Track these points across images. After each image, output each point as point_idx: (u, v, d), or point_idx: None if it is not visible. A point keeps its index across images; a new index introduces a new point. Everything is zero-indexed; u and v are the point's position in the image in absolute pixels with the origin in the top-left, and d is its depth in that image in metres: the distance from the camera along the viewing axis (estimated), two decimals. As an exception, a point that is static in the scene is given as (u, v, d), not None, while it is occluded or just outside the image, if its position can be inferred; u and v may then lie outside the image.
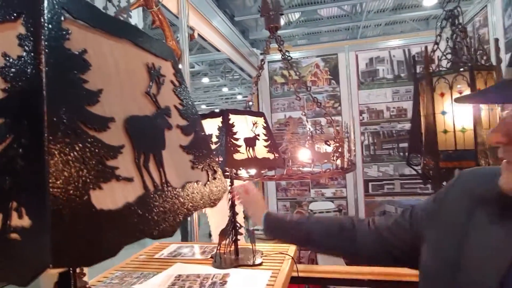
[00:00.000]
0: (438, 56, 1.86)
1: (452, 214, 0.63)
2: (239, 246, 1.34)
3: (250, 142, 1.25)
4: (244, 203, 1.26)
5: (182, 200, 0.41)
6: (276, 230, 1.03)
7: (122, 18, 1.60)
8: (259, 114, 1.40)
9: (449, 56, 1.80)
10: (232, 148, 1.16)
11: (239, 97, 12.60)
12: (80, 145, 0.29)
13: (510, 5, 2.53)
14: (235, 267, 1.23)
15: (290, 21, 6.52)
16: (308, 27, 6.87)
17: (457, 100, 0.63)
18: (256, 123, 1.31)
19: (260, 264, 1.26)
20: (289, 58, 1.84)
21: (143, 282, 1.13)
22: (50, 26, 0.29)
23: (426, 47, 1.77)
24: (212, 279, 1.13)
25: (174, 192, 0.40)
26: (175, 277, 1.15)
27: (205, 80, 9.53)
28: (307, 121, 2.14)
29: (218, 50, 3.54)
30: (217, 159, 1.13)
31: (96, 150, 0.31)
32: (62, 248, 0.25)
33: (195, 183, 0.46)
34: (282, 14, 1.93)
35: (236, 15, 5.79)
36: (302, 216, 1.03)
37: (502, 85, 0.52)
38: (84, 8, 0.34)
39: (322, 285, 1.98)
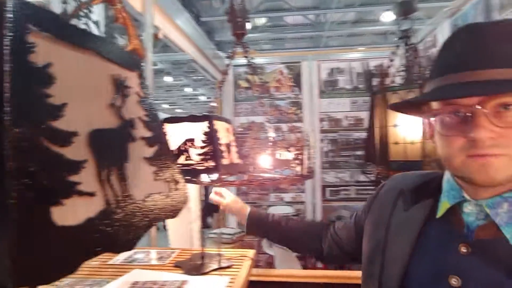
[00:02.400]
0: (393, 72, 2.00)
1: (382, 205, 0.77)
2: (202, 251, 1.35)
3: (228, 147, 1.29)
4: (226, 206, 1.35)
5: (144, 212, 0.41)
6: (258, 228, 1.16)
7: (82, 14, 1.54)
8: (228, 120, 1.44)
9: (402, 73, 1.94)
10: (222, 154, 1.20)
11: (202, 98, 12.45)
12: (43, 161, 0.29)
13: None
14: (205, 273, 1.23)
15: (256, 25, 6.60)
16: (274, 33, 7.00)
17: (391, 107, 0.75)
18: (228, 129, 1.35)
19: (229, 267, 1.27)
20: (253, 66, 1.87)
21: (95, 290, 1.09)
22: (14, 39, 0.28)
23: (381, 64, 1.89)
24: (168, 286, 1.12)
25: (136, 204, 0.40)
26: (131, 284, 1.12)
27: (168, 79, 9.32)
28: (269, 127, 2.19)
29: (183, 51, 3.50)
30: (206, 164, 1.16)
31: (59, 166, 0.31)
32: (22, 266, 0.25)
33: (157, 195, 0.46)
34: (248, 21, 1.96)
35: (202, 15, 5.74)
36: (281, 218, 1.14)
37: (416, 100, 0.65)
38: (49, 20, 0.33)
39: (279, 289, 2.02)
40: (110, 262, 1.36)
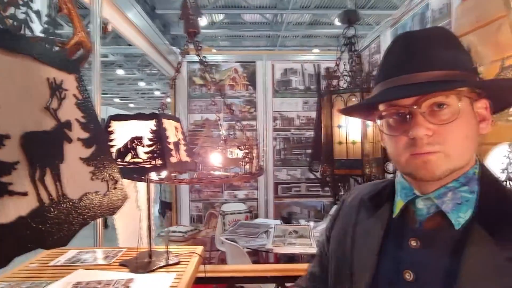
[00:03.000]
0: (338, 76, 2.12)
1: (346, 217, 0.77)
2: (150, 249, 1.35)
3: (177, 146, 1.29)
4: None
5: (78, 210, 0.42)
6: None
7: (21, 2, 1.45)
8: (177, 119, 1.45)
9: (346, 77, 2.07)
10: (170, 152, 1.20)
11: (157, 93, 12.08)
12: None
13: (397, 37, 3.00)
14: (152, 271, 1.23)
15: (214, 21, 6.56)
16: (231, 30, 7.01)
17: (340, 111, 0.79)
18: (177, 128, 1.36)
19: (177, 264, 1.28)
20: (205, 64, 1.89)
21: (34, 292, 1.05)
22: None
23: (328, 68, 2.01)
24: (113, 285, 1.11)
25: (71, 203, 0.42)
26: (73, 284, 1.10)
27: (120, 72, 8.92)
28: (221, 126, 2.22)
29: (135, 45, 3.38)
30: (154, 162, 1.16)
31: None
32: None
33: (94, 194, 0.48)
34: (201, 18, 1.96)
35: (157, 7, 5.58)
36: None
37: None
38: None
39: (229, 284, 2.06)
40: (51, 263, 1.31)
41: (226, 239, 2.99)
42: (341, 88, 2.00)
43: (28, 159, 0.37)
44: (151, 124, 1.21)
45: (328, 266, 0.78)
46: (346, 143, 1.94)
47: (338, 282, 0.70)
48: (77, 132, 0.48)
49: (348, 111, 0.80)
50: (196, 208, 4.18)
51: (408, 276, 0.59)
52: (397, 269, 0.61)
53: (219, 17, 6.51)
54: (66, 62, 0.48)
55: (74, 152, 0.46)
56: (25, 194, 0.36)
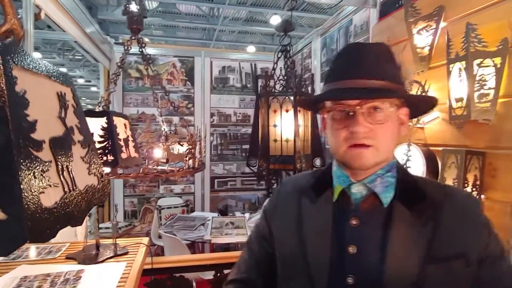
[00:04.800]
0: (274, 79, 2.33)
1: (286, 207, 0.83)
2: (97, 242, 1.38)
3: (126, 142, 1.34)
4: None
5: (85, 198, 0.52)
6: None
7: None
8: (125, 116, 1.49)
9: (281, 81, 2.29)
10: (120, 148, 1.24)
11: (81, 81, 11.10)
12: (33, 162, 0.39)
13: (326, 46, 3.34)
14: (101, 261, 1.27)
15: (147, 9, 6.32)
16: (166, 20, 6.83)
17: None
18: (125, 124, 1.40)
19: (126, 254, 1.34)
20: (150, 61, 1.93)
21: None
22: (8, 74, 0.37)
23: (266, 72, 2.20)
24: (64, 277, 1.13)
25: (80, 193, 0.51)
26: (20, 278, 1.10)
27: (37, 55, 8.04)
28: (163, 122, 2.27)
29: (64, 30, 3.16)
30: (105, 158, 1.19)
31: (40, 165, 0.41)
32: (29, 231, 0.36)
33: (91, 186, 0.56)
34: (145, 17, 1.99)
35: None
36: None
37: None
38: (18, 53, 0.41)
39: (170, 274, 2.14)
40: (-12, 261, 1.27)
41: (165, 232, 3.04)
42: (277, 91, 2.21)
43: (55, 159, 0.46)
44: (102, 121, 1.26)
45: (266, 247, 0.84)
46: (281, 141, 2.16)
47: (291, 264, 0.76)
48: (77, 135, 0.56)
49: (303, 103, 0.97)
50: (130, 203, 4.10)
51: (352, 249, 0.69)
52: (341, 244, 0.70)
53: (152, 4, 6.29)
54: (64, 77, 0.56)
55: (77, 152, 0.55)
56: (57, 185, 0.45)
